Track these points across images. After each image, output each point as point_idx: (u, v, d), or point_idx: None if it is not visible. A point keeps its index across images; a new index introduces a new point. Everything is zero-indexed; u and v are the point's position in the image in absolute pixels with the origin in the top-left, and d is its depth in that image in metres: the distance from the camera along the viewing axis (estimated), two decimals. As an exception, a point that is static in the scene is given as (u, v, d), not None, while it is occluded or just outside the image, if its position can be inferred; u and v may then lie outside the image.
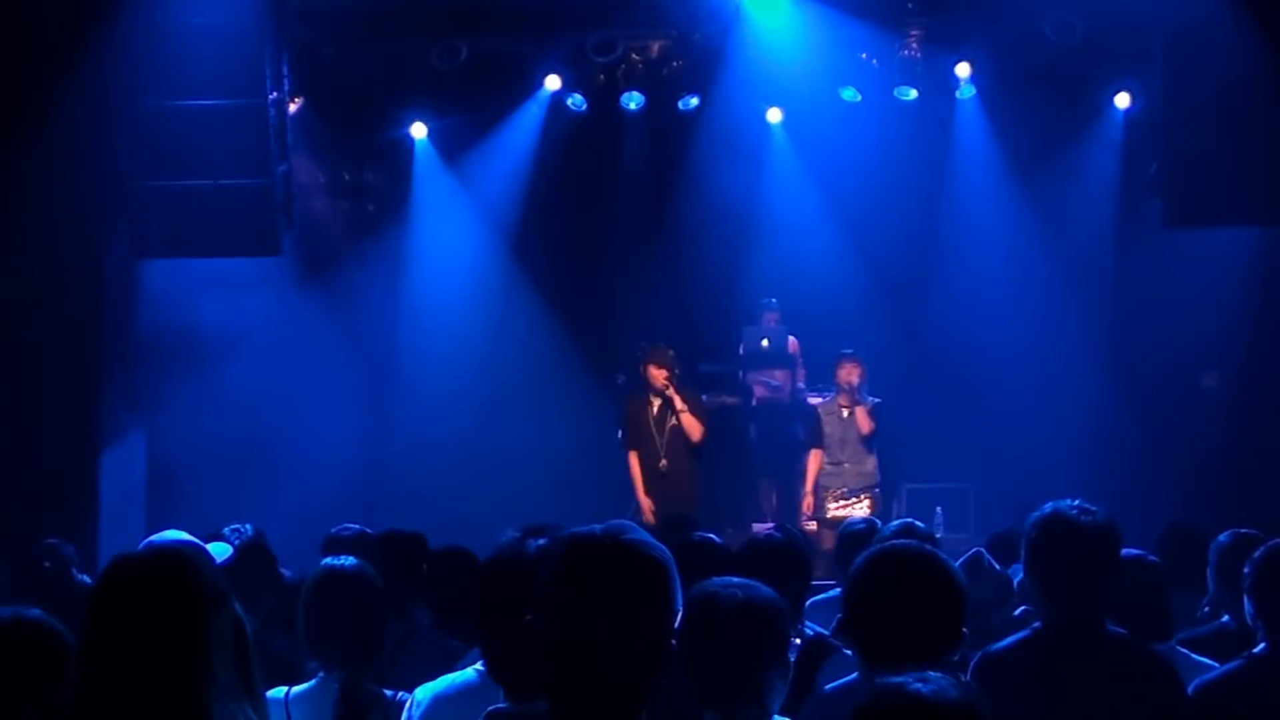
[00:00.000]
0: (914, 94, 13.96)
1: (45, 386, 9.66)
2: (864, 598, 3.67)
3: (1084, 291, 13.85)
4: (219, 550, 5.15)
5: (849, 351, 13.10)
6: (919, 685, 2.50)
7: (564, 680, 2.74)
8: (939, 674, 2.55)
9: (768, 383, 14.38)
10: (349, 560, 4.83)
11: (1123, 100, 13.58)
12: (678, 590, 2.80)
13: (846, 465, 13.06)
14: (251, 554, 5.54)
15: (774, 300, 14.56)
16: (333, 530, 7.39)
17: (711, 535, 5.50)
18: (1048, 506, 4.66)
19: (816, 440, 13.04)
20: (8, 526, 8.99)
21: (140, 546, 5.05)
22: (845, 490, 13.06)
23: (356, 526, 7.34)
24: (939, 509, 13.24)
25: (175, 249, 10.52)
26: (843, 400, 13.02)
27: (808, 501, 12.98)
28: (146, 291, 10.78)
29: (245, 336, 11.97)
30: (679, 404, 11.99)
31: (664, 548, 2.82)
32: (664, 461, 12.08)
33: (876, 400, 13.14)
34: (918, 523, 6.77)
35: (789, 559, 5.51)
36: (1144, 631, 4.88)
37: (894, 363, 13.74)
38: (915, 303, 14.26)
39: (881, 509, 12.65)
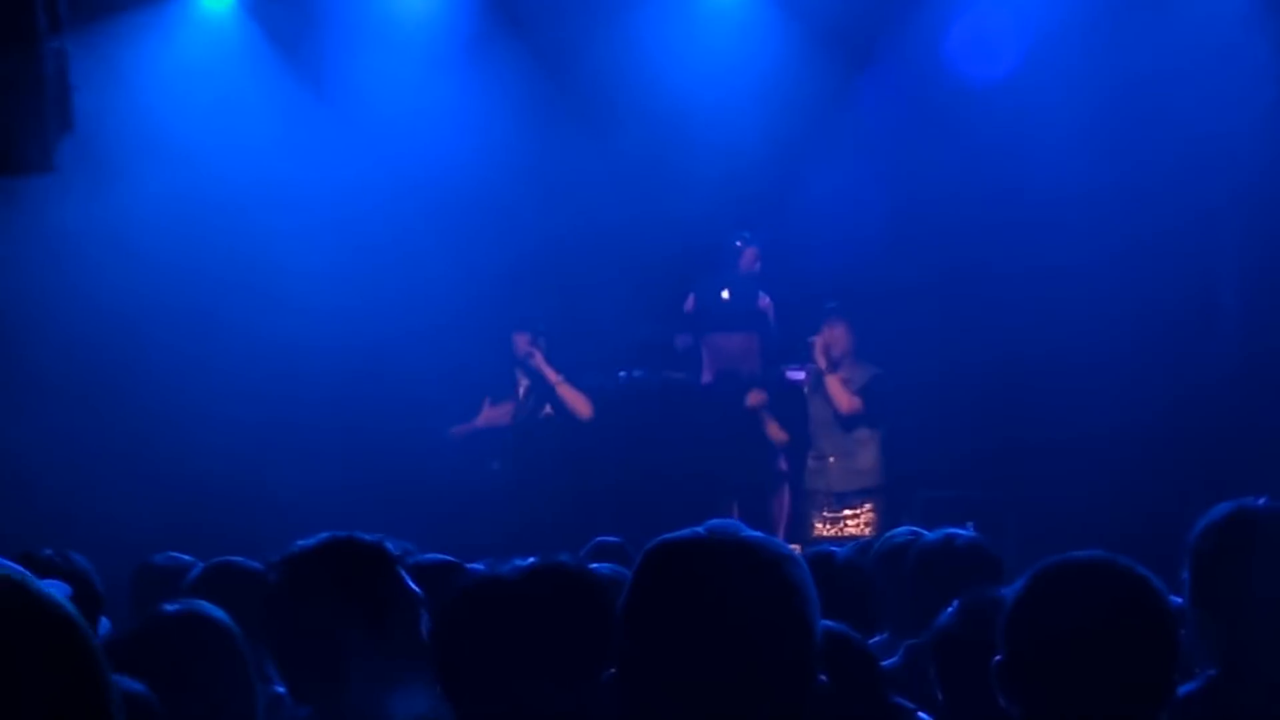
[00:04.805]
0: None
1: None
2: (1033, 632, 2.84)
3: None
4: (57, 589, 2.83)
5: (833, 305, 10.31)
6: None
7: None
8: None
9: (725, 350, 10.72)
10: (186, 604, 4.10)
11: None
12: (815, 596, 2.20)
13: (832, 459, 10.16)
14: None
15: (748, 234, 10.83)
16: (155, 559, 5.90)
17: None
18: (1224, 506, 3.64)
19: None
20: None
21: None
22: (832, 497, 10.18)
23: (189, 558, 5.79)
24: (970, 524, 9.62)
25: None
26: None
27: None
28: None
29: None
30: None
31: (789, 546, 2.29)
32: None
33: (876, 370, 10.21)
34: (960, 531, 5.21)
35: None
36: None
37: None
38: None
39: (887, 524, 9.15)
